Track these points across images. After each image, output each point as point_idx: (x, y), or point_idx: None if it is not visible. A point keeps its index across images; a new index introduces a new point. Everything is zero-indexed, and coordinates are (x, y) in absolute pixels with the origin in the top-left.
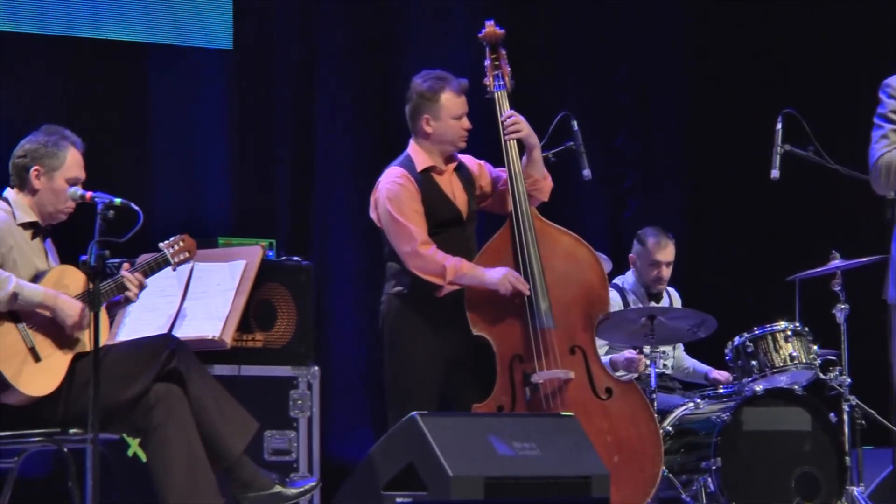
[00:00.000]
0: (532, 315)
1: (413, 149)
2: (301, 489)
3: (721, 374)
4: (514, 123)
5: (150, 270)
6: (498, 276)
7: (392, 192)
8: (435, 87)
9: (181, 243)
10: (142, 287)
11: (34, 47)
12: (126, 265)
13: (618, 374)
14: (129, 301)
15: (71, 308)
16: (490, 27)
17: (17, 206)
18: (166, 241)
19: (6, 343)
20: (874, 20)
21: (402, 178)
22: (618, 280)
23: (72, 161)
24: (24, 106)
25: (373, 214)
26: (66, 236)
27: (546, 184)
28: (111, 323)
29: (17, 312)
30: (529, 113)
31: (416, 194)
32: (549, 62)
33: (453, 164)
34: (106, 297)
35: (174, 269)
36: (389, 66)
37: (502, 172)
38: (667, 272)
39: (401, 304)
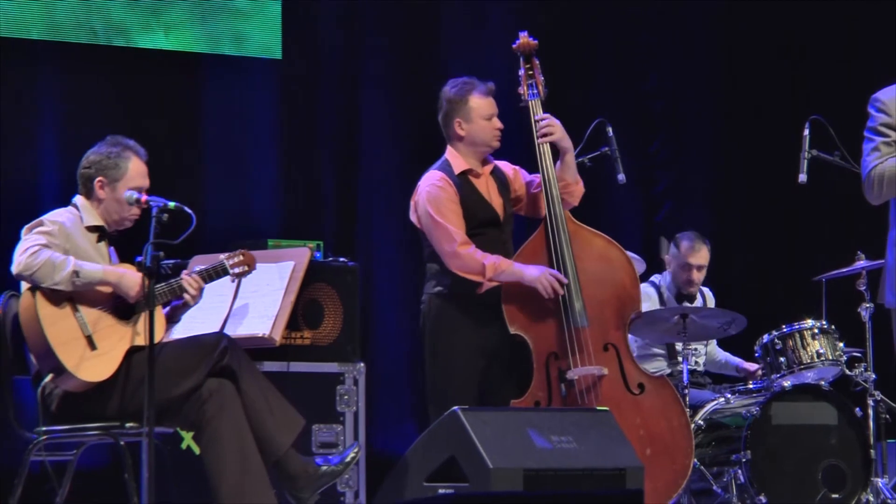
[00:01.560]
0: (566, 314)
1: (450, 153)
2: (346, 458)
3: (751, 366)
4: (548, 125)
5: (208, 277)
6: (537, 273)
7: (431, 195)
8: (463, 91)
9: (241, 257)
10: (200, 292)
11: (94, 57)
12: (185, 272)
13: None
14: (188, 305)
15: (132, 280)
16: (524, 38)
17: (85, 210)
18: (227, 254)
19: (64, 330)
20: None
21: (440, 181)
22: (655, 278)
23: (134, 171)
24: (86, 114)
25: (413, 217)
26: (123, 238)
27: (578, 188)
28: (175, 322)
29: (74, 300)
30: (565, 120)
31: (455, 196)
32: (584, 71)
33: (489, 167)
34: (162, 298)
35: (232, 281)
36: (429, 75)
37: (535, 177)
38: (698, 276)
39: (441, 303)
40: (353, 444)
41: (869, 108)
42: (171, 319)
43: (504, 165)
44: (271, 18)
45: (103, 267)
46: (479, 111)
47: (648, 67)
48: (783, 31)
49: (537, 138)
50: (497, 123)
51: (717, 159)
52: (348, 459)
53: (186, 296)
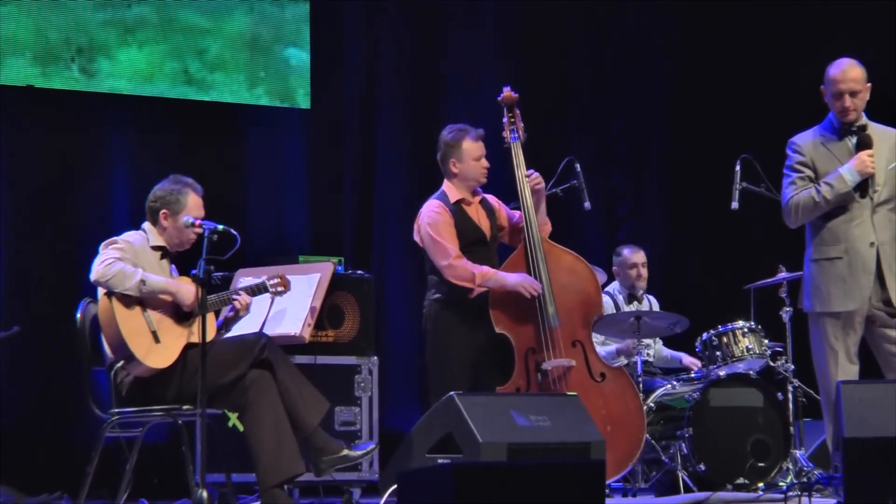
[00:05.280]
0: (542, 316)
1: (446, 185)
2: (363, 451)
3: (691, 360)
4: (538, 182)
5: (252, 293)
6: (518, 279)
7: (431, 219)
8: (457, 136)
9: (279, 280)
10: (248, 306)
11: (161, 109)
12: (235, 288)
13: (618, 360)
14: (239, 317)
15: (188, 292)
16: (507, 92)
17: (151, 234)
18: (269, 276)
19: (135, 325)
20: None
21: (438, 208)
22: (608, 289)
23: (192, 204)
24: (151, 153)
25: (416, 237)
26: (181, 256)
27: (546, 228)
28: (227, 331)
29: (143, 302)
30: (541, 158)
31: (450, 220)
32: (558, 117)
33: (479, 198)
34: (214, 307)
35: (272, 298)
36: (433, 121)
37: (515, 213)
38: (644, 271)
39: (439, 307)
40: (373, 442)
41: (787, 150)
42: (224, 328)
43: (491, 198)
44: (301, 74)
45: (166, 279)
46: (470, 153)
47: (612, 114)
48: (722, 88)
49: (524, 184)
50: (484, 163)
51: (667, 190)
52: (365, 452)
53: (237, 305)
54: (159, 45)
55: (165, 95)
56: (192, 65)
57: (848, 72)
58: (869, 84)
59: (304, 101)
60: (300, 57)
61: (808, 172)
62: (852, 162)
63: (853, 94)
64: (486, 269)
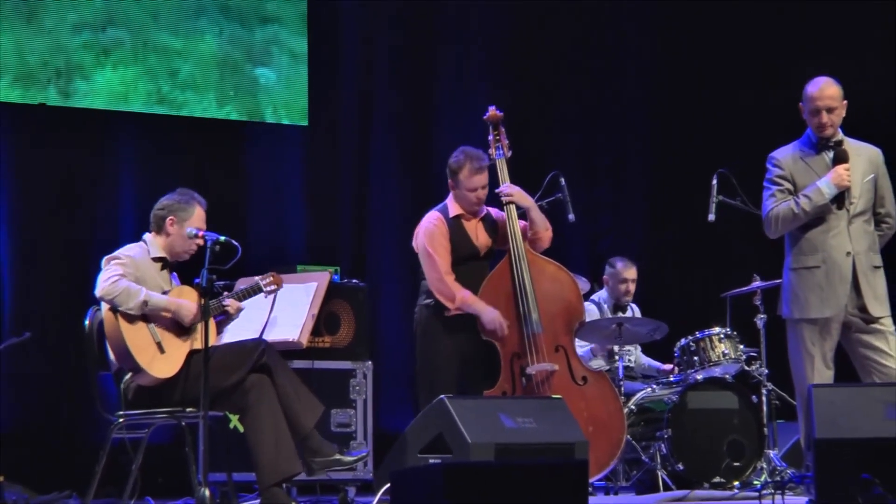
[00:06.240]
0: (526, 323)
1: (449, 199)
2: (355, 458)
3: (667, 367)
4: (506, 194)
5: (245, 296)
6: (490, 315)
7: (428, 231)
8: (459, 163)
9: (271, 278)
10: (239, 310)
11: (165, 124)
12: (228, 293)
13: (596, 362)
14: (230, 319)
15: (188, 310)
16: (492, 111)
17: (152, 245)
18: (261, 276)
19: (140, 338)
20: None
21: (437, 221)
22: (595, 297)
23: (197, 216)
24: (157, 168)
25: (413, 244)
26: (185, 266)
27: (547, 234)
28: (219, 331)
29: (147, 316)
30: (528, 172)
31: (447, 233)
32: (544, 134)
33: (481, 213)
34: (214, 312)
35: (266, 297)
36: (425, 139)
37: (519, 223)
38: (633, 287)
39: (430, 314)
40: (365, 450)
41: (767, 164)
42: (219, 327)
43: (495, 212)
44: (300, 92)
45: (167, 298)
46: (466, 184)
47: (596, 130)
48: (701, 104)
49: (502, 200)
50: (479, 195)
51: (648, 204)
52: (357, 458)
53: (230, 310)
54: (133, 67)
55: (171, 113)
56: (164, 85)
57: (825, 89)
58: (845, 101)
59: (302, 119)
60: (268, 76)
61: (788, 185)
62: (829, 175)
63: (830, 110)
64: (467, 294)
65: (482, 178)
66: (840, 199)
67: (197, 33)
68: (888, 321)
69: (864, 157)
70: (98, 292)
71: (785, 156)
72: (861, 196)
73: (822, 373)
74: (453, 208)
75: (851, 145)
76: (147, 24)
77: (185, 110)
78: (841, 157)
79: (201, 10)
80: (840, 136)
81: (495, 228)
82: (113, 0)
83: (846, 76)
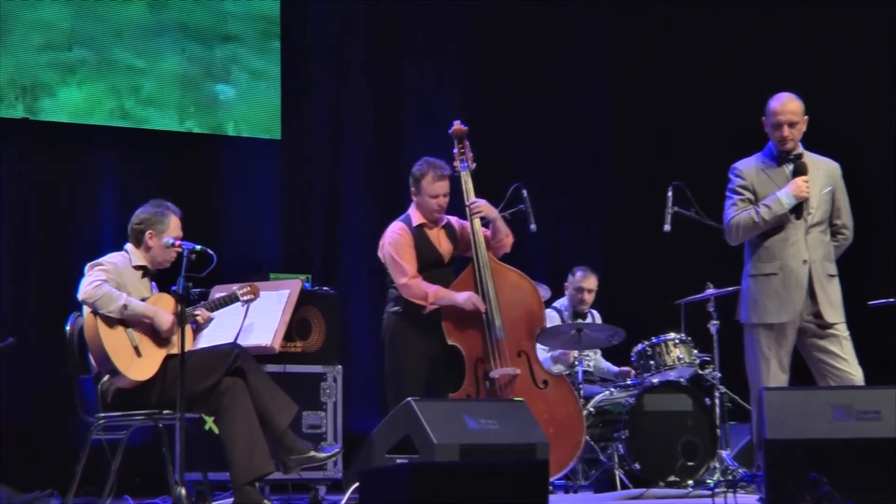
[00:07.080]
0: (489, 329)
1: (412, 209)
2: (329, 454)
3: (625, 369)
4: (476, 207)
5: (222, 304)
6: (464, 296)
7: (393, 240)
8: (422, 171)
9: (248, 288)
10: (209, 320)
11: (142, 139)
12: (203, 303)
13: (556, 367)
14: (201, 328)
15: (165, 318)
16: (457, 125)
17: (133, 254)
18: (239, 285)
19: (118, 342)
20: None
21: (401, 230)
22: (556, 304)
23: (173, 226)
24: (136, 181)
25: (379, 254)
26: (162, 272)
27: (508, 240)
28: (194, 337)
29: (126, 321)
30: (492, 185)
31: (411, 241)
32: (507, 147)
33: (442, 222)
34: (189, 319)
35: (242, 305)
36: (394, 152)
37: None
38: (589, 297)
39: (397, 319)
40: (338, 446)
41: (729, 174)
42: (194, 333)
43: (455, 221)
44: (272, 107)
45: (146, 305)
46: (428, 191)
47: (557, 145)
48: (659, 118)
49: (469, 213)
50: (441, 202)
51: (607, 215)
52: (331, 454)
53: (199, 320)
54: (97, 84)
55: (144, 127)
56: (127, 101)
57: (787, 104)
58: (806, 116)
59: (275, 132)
60: (227, 93)
61: (749, 195)
62: (789, 187)
63: (791, 125)
64: (438, 288)
65: (444, 186)
66: (798, 209)
67: (159, 52)
68: (842, 327)
69: (822, 170)
70: (81, 295)
71: (747, 167)
72: (819, 207)
73: (777, 376)
74: (416, 217)
75: (811, 159)
76: (110, 43)
77: (146, 126)
78: (800, 170)
79: (162, 29)
80: (800, 149)
81: (456, 236)
82: (78, 20)
83: (805, 89)
